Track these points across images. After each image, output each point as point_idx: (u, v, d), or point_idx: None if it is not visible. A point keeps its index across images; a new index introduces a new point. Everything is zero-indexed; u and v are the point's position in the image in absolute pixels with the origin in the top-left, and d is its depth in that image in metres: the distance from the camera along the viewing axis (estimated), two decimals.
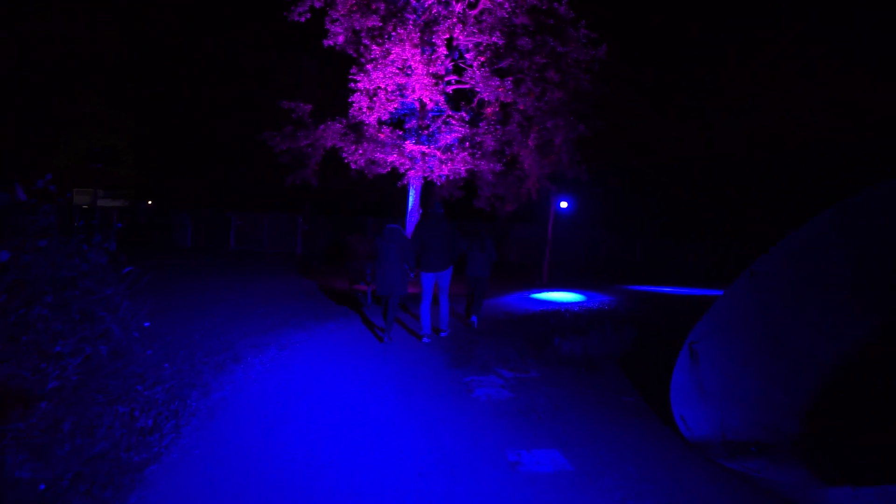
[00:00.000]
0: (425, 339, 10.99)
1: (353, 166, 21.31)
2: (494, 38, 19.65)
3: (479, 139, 20.70)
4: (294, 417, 6.76)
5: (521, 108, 20.60)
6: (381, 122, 21.54)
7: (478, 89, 20.51)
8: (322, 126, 20.96)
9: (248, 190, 34.04)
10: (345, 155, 21.08)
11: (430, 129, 21.12)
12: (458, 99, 22.32)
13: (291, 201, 34.79)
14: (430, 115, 21.96)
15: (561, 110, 20.54)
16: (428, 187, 24.97)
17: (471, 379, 8.55)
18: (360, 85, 20.51)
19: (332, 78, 23.12)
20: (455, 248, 11.03)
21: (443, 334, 11.54)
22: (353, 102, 20.71)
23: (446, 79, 21.41)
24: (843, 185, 35.24)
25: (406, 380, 8.41)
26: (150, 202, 40.06)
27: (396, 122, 22.88)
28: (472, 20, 19.87)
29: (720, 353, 7.76)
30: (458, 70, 21.60)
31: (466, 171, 21.35)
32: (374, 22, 19.78)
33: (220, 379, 8.00)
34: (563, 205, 22.00)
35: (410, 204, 22.94)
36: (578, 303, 17.10)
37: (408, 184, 22.57)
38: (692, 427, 6.88)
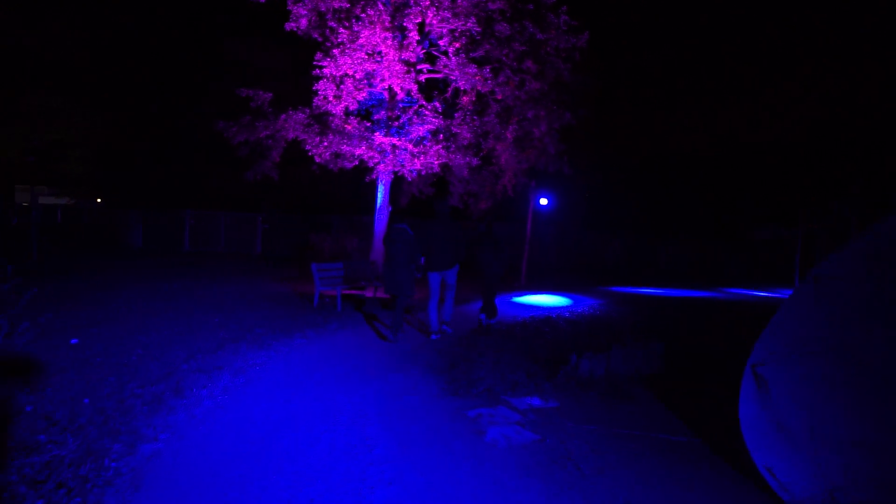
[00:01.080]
0: (433, 336, 10.86)
1: (317, 160, 19.26)
2: (470, 24, 17.83)
3: (455, 130, 18.85)
4: (252, 483, 4.81)
5: (500, 97, 18.83)
6: (347, 113, 19.56)
7: (453, 77, 18.68)
8: (283, 116, 18.88)
9: (206, 187, 31.59)
10: (308, 147, 19.02)
11: (401, 121, 19.21)
12: (431, 89, 20.45)
13: (251, 199, 32.48)
14: (400, 105, 20.04)
15: (542, 100, 18.83)
16: (398, 183, 23.04)
17: (478, 413, 6.67)
18: (325, 71, 18.50)
19: (295, 65, 21.02)
20: (460, 247, 11.02)
21: (446, 328, 11.43)
22: (317, 91, 18.71)
23: (418, 67, 19.54)
24: (821, 184, 34.46)
25: (397, 418, 6.48)
26: (98, 200, 37.19)
27: (364, 113, 20.92)
28: (445, 4, 18.00)
29: (797, 380, 6.03)
30: (430, 58, 19.73)
31: (440, 165, 19.49)
32: (340, 3, 17.81)
33: (155, 422, 5.96)
34: (544, 202, 20.33)
35: (379, 201, 20.96)
36: (567, 307, 15.38)
37: (377, 179, 20.60)
38: (786, 482, 5.14)
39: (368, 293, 14.38)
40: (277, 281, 17.55)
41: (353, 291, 13.44)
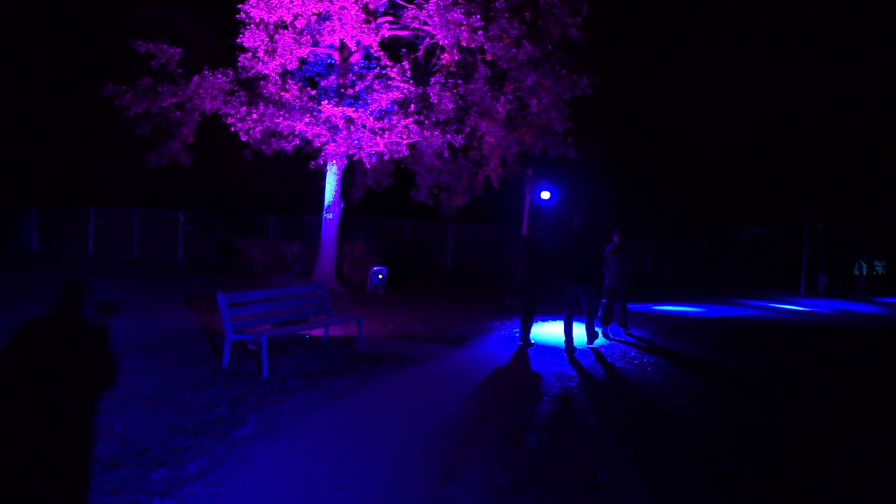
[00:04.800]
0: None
1: (243, 137, 13.74)
2: None
3: (432, 99, 13.53)
4: None
5: (490, 57, 13.62)
6: (285, 75, 14.04)
7: (429, 28, 13.45)
8: (196, 78, 13.24)
9: (117, 179, 25.32)
10: (231, 121, 13.48)
11: (358, 88, 13.79)
12: (395, 49, 15.11)
13: (173, 194, 26.36)
14: (356, 68, 14.63)
15: (545, 62, 13.70)
16: (350, 174, 17.53)
17: None
18: (254, 14, 13.03)
19: (213, 16, 15.29)
20: (596, 260, 9.99)
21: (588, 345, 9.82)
22: (243, 45, 13.17)
23: (379, 20, 14.17)
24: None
25: None
26: None
27: (308, 80, 15.43)
28: None
29: None
30: (394, 7, 14.40)
31: (408, 146, 14.17)
32: None
33: None
34: (545, 195, 15.21)
35: (329, 194, 15.50)
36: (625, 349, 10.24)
37: (324, 164, 15.06)
38: None
39: (318, 331, 8.92)
40: (188, 304, 11.88)
41: (294, 330, 7.98)
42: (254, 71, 13.60)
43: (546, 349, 9.43)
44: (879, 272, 25.86)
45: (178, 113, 13.82)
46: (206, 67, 13.27)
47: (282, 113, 13.37)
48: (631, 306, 12.84)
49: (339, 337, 9.32)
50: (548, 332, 11.02)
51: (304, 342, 8.52)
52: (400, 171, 18.04)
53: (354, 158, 14.42)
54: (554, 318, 12.37)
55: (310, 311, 8.68)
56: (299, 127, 13.35)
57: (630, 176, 29.59)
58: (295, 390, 6.23)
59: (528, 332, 9.70)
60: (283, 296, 8.22)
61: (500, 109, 14.05)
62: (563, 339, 9.44)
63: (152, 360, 7.39)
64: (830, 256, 26.01)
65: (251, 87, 13.85)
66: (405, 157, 15.05)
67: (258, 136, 13.72)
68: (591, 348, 9.75)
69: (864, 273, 25.46)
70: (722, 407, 6.46)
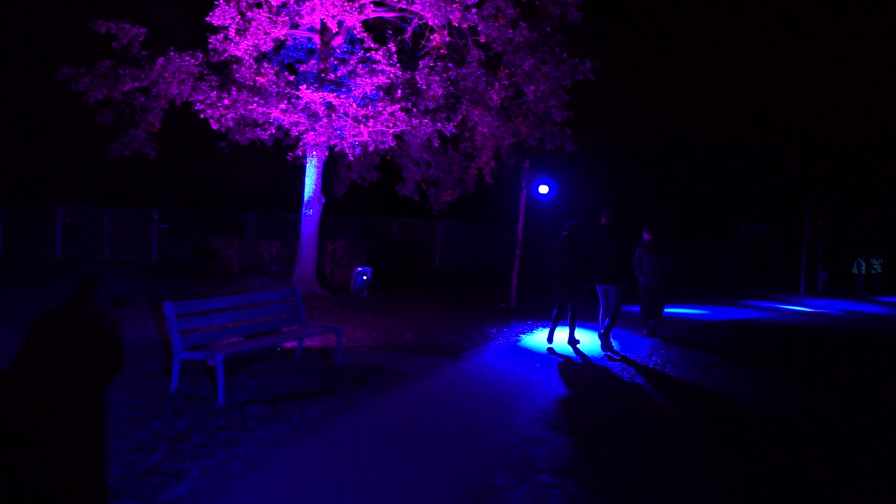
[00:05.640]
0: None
1: (214, 126, 12.40)
2: None
3: (420, 85, 12.29)
4: None
5: (484, 39, 12.39)
6: (260, 58, 12.74)
7: (417, 8, 12.14)
8: (162, 61, 11.89)
9: (87, 175, 23.82)
10: (201, 107, 12.15)
11: (340, 73, 12.52)
12: (381, 31, 13.87)
13: (147, 192, 24.93)
14: (338, 52, 13.35)
15: (543, 45, 12.49)
16: (332, 167, 16.28)
17: None
18: None
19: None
20: (621, 260, 9.36)
21: (611, 355, 8.80)
22: (213, 24, 11.85)
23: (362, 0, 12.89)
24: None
25: None
26: None
27: (286, 66, 14.13)
28: None
29: None
30: None
31: (395, 136, 12.92)
32: None
33: None
34: (544, 189, 13.99)
35: (308, 188, 14.23)
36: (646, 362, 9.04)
37: (303, 155, 13.78)
38: None
39: (291, 343, 7.65)
40: (151, 312, 10.55)
41: (262, 344, 6.71)
42: (227, 54, 12.31)
43: (555, 360, 8.23)
44: (878, 270, 25.20)
45: (142, 99, 12.48)
46: (172, 49, 11.92)
47: (256, 99, 12.06)
48: (628, 308, 11.79)
49: (316, 348, 8.06)
50: (555, 339, 9.78)
51: (273, 357, 7.25)
52: (386, 165, 16.79)
53: (336, 149, 13.13)
54: (562, 325, 11.18)
55: (282, 320, 7.42)
56: (275, 114, 12.06)
57: (627, 171, 28.43)
58: (255, 424, 4.97)
59: (554, 332, 9.34)
60: (248, 303, 6.94)
61: (495, 97, 12.85)
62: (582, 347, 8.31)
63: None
64: (829, 255, 25.12)
65: (223, 72, 12.55)
66: (391, 148, 13.83)
67: (231, 123, 12.42)
68: (607, 355, 8.78)
69: (863, 271, 24.78)
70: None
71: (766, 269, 29.15)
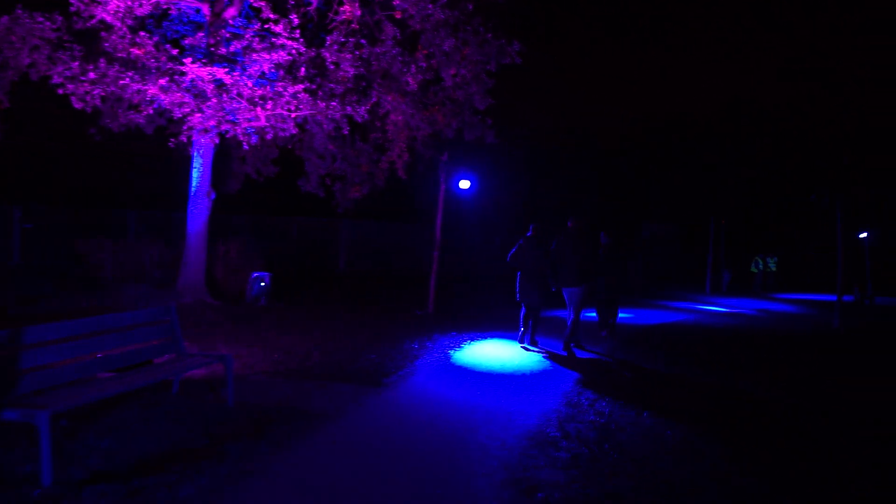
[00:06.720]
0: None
1: (77, 105, 10.20)
2: None
3: (329, 62, 10.65)
4: None
5: (400, 15, 10.88)
6: (137, 28, 10.61)
7: None
8: (6, 20, 9.61)
9: None
10: (59, 80, 9.92)
11: (234, 48, 10.67)
12: (281, 0, 12.06)
13: (9, 186, 21.58)
14: (232, 27, 11.44)
15: (464, 25, 11.14)
16: (224, 159, 14.24)
17: None
18: None
19: None
20: (588, 263, 9.16)
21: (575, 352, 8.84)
22: None
23: None
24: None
25: None
26: None
27: (171, 41, 12.01)
28: None
29: None
30: None
31: (298, 123, 11.17)
32: None
33: None
34: (465, 184, 12.64)
35: (195, 180, 12.23)
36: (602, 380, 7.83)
37: (189, 142, 11.73)
38: None
39: (165, 373, 5.77)
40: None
41: (121, 387, 4.91)
42: (94, 20, 10.14)
43: (498, 380, 6.86)
44: (772, 269, 26.05)
45: None
46: (19, 7, 9.65)
47: (130, 74, 9.99)
48: (549, 313, 11.01)
49: (201, 379, 6.30)
50: (505, 354, 8.42)
51: (139, 399, 5.45)
52: (286, 158, 14.91)
53: (228, 136, 11.20)
54: (496, 335, 9.91)
55: (153, 348, 5.63)
56: (152, 91, 10.01)
57: (544, 168, 27.65)
58: None
59: (530, 332, 9.32)
60: (103, 328, 5.11)
61: (411, 80, 11.37)
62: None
63: None
64: (729, 254, 25.51)
65: (90, 41, 10.36)
66: (292, 137, 12.06)
67: (98, 102, 10.23)
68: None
69: (761, 269, 25.60)
70: None
71: (669, 269, 29.25)
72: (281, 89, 10.44)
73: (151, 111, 10.74)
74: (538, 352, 8.99)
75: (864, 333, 12.87)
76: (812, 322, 14.47)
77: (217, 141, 11.60)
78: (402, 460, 4.46)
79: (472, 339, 9.57)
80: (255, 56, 10.43)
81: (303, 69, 10.62)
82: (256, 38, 10.58)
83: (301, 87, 10.42)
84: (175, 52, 10.78)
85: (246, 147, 11.76)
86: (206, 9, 11.64)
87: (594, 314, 10.81)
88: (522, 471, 4.29)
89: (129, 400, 5.31)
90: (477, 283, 18.28)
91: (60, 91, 9.98)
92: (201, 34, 11.42)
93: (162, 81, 10.07)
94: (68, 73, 9.85)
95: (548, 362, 8.28)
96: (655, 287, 23.13)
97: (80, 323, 4.92)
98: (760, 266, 25.73)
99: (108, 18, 10.02)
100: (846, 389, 7.58)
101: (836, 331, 12.66)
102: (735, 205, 26.20)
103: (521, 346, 9.18)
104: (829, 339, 11.81)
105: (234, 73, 10.33)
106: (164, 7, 11.20)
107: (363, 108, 10.87)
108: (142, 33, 10.41)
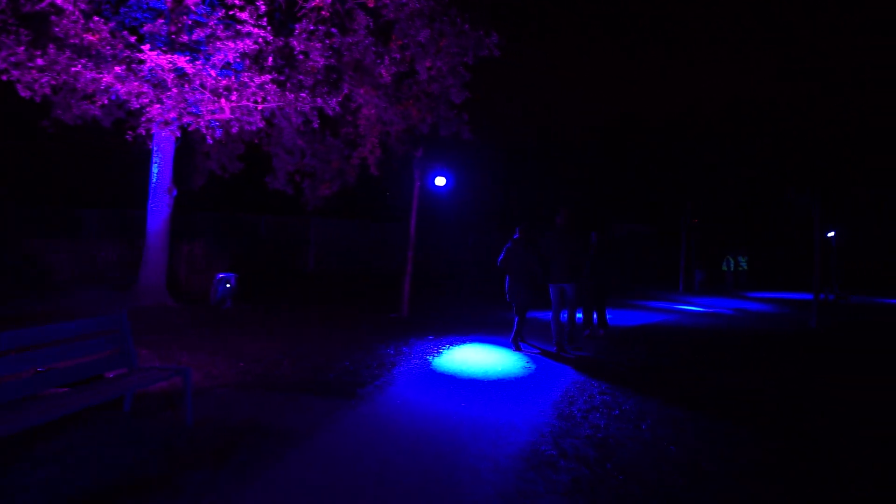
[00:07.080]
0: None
1: (24, 93, 9.48)
2: None
3: (298, 52, 10.07)
4: None
5: (373, 4, 10.34)
6: (91, 13, 9.88)
7: None
8: None
9: None
10: (4, 66, 9.17)
11: (197, 36, 10.02)
12: None
13: None
14: (195, 13, 10.75)
15: (441, 15, 10.65)
16: (188, 153, 13.54)
17: None
18: None
19: None
20: (581, 258, 9.26)
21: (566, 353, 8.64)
22: None
23: None
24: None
25: None
26: None
27: (129, 28, 11.27)
28: None
29: None
30: None
31: (265, 116, 10.56)
32: None
33: None
34: (440, 181, 12.16)
35: (155, 177, 11.55)
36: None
37: (149, 135, 11.04)
38: None
39: (116, 390, 5.15)
40: None
41: (60, 412, 4.32)
42: (44, 3, 9.41)
43: (481, 388, 6.39)
44: (743, 267, 26.15)
45: None
46: None
47: (83, 61, 9.29)
48: (533, 314, 10.74)
49: (158, 392, 5.72)
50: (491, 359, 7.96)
51: (86, 419, 4.85)
52: (253, 154, 14.26)
53: (190, 129, 10.54)
54: (476, 339, 9.46)
55: (103, 361, 5.03)
56: (107, 80, 9.32)
57: (519, 165, 27.28)
58: None
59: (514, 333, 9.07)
60: (43, 340, 4.51)
61: (385, 73, 10.86)
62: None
63: None
64: (700, 254, 25.49)
65: (38, 24, 9.62)
66: (260, 131, 11.44)
67: (47, 90, 9.51)
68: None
69: (732, 269, 25.65)
70: None
71: (642, 268, 29.18)
72: (247, 80, 9.84)
73: (107, 101, 10.03)
74: (523, 355, 8.57)
75: (842, 332, 12.73)
76: (789, 321, 14.31)
77: (178, 134, 10.90)
78: (385, 488, 3.96)
79: (451, 344, 9.10)
80: (219, 44, 9.80)
81: (270, 59, 10.01)
82: (221, 26, 9.95)
83: (268, 77, 9.82)
84: (133, 39, 10.10)
85: (210, 141, 11.08)
86: None
87: (579, 314, 10.47)
88: (522, 499, 3.82)
89: (75, 419, 4.71)
90: (453, 283, 17.81)
91: (4, 77, 9.23)
92: (161, 21, 10.73)
93: (118, 69, 9.39)
94: (13, 59, 9.11)
95: (532, 366, 7.84)
96: (629, 287, 22.93)
97: (19, 334, 4.30)
98: (731, 265, 25.79)
99: (59, 2, 9.29)
100: (836, 388, 7.33)
101: (814, 330, 12.51)
102: (707, 204, 26.17)
103: (514, 348, 8.95)
104: (810, 338, 11.62)
105: (197, 63, 9.70)
106: None
107: (334, 100, 10.33)
108: (96, 18, 9.72)
